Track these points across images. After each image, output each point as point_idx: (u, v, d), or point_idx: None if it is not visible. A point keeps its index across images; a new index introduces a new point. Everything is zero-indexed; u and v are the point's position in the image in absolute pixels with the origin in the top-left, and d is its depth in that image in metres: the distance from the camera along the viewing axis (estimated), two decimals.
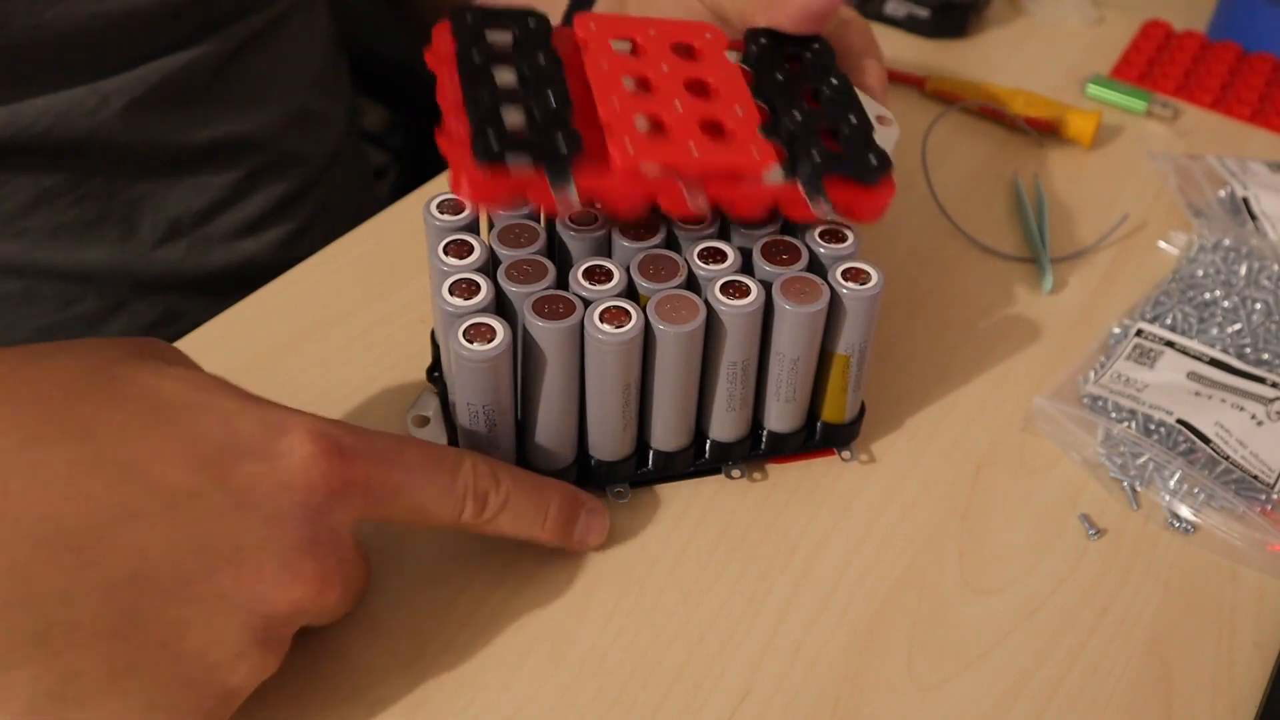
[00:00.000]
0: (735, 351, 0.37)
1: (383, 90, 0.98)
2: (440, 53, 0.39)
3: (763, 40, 0.41)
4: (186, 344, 0.45)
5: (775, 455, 0.42)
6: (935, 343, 0.49)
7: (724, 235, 0.39)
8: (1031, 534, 0.41)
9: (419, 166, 1.00)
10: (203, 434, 0.30)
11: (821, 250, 0.38)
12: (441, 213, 0.38)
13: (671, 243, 0.39)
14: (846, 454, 0.43)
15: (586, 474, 0.40)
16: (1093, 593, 0.40)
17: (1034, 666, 0.37)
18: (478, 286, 0.36)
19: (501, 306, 0.36)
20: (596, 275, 0.36)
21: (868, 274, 0.38)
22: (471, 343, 0.34)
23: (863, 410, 0.43)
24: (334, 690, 0.35)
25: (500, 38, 0.39)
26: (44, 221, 0.51)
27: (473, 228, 0.39)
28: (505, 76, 0.37)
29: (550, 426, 0.38)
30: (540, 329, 0.35)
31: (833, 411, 0.41)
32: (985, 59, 0.69)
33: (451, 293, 0.36)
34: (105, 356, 0.31)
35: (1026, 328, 0.50)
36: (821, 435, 0.42)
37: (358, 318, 0.47)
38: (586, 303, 0.36)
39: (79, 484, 0.28)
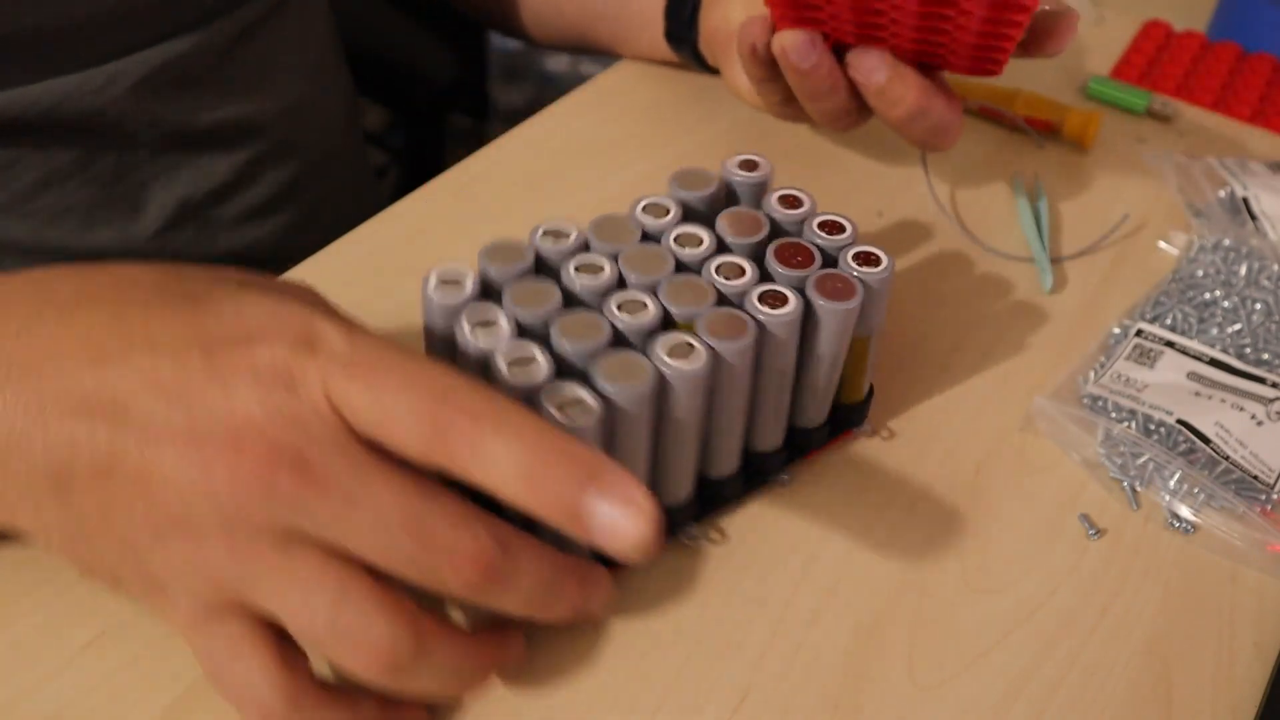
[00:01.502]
0: (781, 359, 0.37)
1: (383, 90, 0.98)
2: None
3: None
4: None
5: (806, 453, 0.42)
6: (935, 343, 0.49)
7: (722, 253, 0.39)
8: (1031, 534, 0.41)
9: (419, 166, 1.00)
10: (214, 313, 0.31)
11: (821, 240, 0.39)
12: (446, 287, 0.36)
13: (680, 268, 0.38)
14: (867, 429, 0.44)
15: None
16: (1093, 593, 0.40)
17: (1034, 666, 0.37)
18: (535, 358, 0.33)
19: (561, 369, 0.34)
20: (628, 306, 0.35)
21: (877, 256, 0.39)
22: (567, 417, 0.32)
23: (871, 388, 0.43)
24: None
25: None
26: (52, 202, 0.52)
27: (487, 295, 0.36)
28: None
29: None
30: (620, 391, 0.33)
31: (851, 392, 0.42)
32: None
33: (512, 367, 0.33)
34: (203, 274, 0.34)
35: (1026, 328, 0.50)
36: (839, 419, 0.42)
37: (357, 318, 0.47)
38: (627, 341, 0.34)
39: (90, 336, 0.31)
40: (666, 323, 0.36)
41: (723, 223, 0.39)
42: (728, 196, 0.41)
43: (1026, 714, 0.36)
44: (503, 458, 0.28)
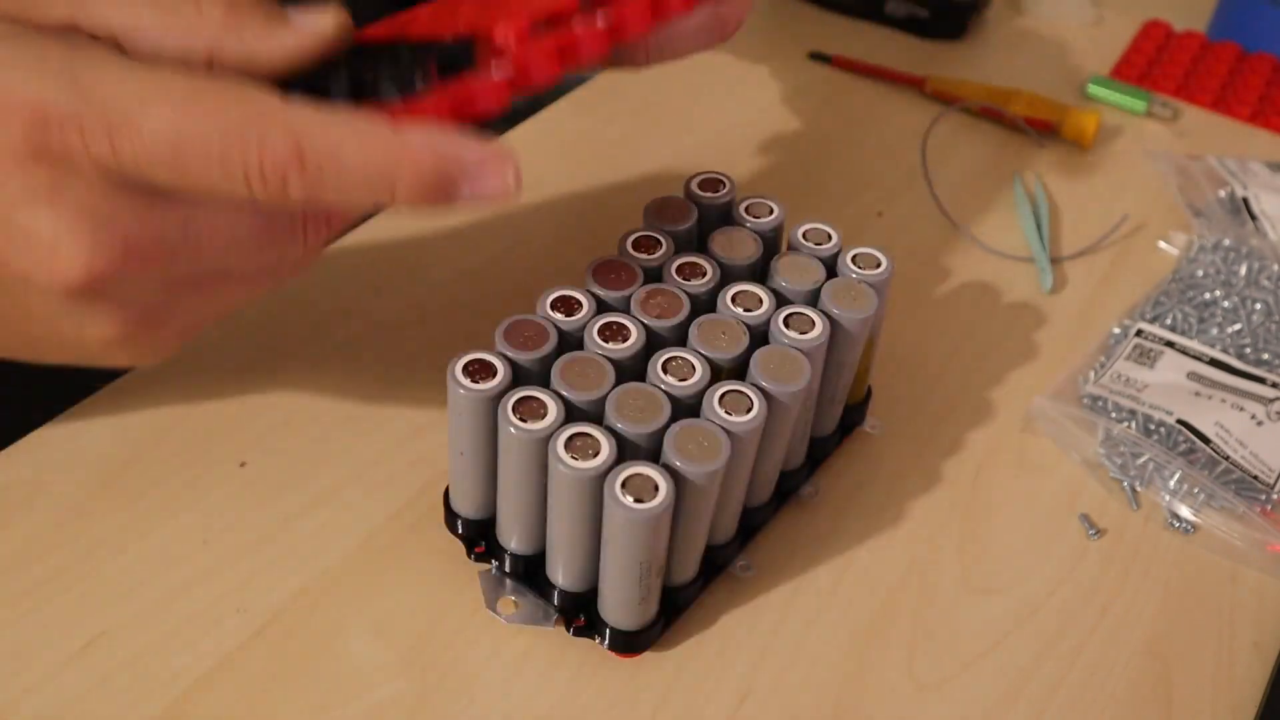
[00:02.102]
0: (815, 382, 0.37)
1: None
2: None
3: None
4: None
5: (822, 461, 0.42)
6: (935, 343, 0.49)
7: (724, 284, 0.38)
8: (1031, 534, 0.41)
9: None
10: None
11: (802, 244, 0.39)
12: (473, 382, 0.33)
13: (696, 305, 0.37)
14: (873, 423, 0.44)
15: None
16: (1093, 593, 0.40)
17: (1034, 666, 0.37)
18: (597, 441, 0.32)
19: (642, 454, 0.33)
20: (675, 368, 0.34)
21: (876, 257, 0.39)
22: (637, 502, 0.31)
23: (869, 388, 0.43)
24: (334, 690, 0.35)
25: None
26: None
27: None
28: None
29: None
30: (697, 469, 0.32)
31: (853, 394, 0.42)
32: (985, 59, 0.69)
33: (569, 452, 0.32)
34: None
35: (1026, 328, 0.50)
36: (843, 421, 0.42)
37: (357, 317, 0.47)
38: (683, 406, 0.33)
39: None
40: (715, 372, 0.34)
41: (715, 245, 0.38)
42: (699, 218, 0.40)
43: (1026, 714, 0.36)
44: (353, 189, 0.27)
